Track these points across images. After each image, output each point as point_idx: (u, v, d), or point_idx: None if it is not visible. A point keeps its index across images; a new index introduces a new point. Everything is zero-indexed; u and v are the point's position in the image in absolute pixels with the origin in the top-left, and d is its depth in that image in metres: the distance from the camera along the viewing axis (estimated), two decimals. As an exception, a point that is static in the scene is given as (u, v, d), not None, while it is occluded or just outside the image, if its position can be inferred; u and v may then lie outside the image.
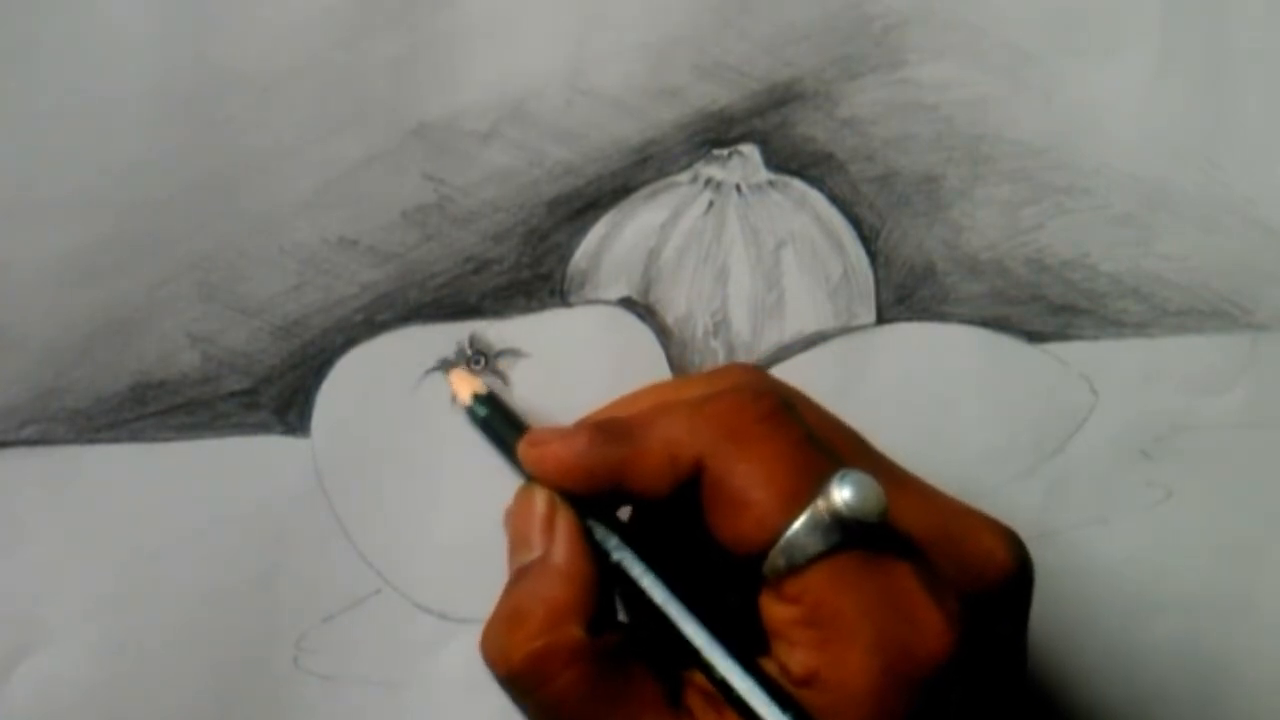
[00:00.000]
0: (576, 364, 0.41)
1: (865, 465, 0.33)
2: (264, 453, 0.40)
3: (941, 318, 0.43)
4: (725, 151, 0.42)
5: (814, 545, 0.31)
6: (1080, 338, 0.44)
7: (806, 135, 0.42)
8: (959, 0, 0.42)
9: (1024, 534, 0.44)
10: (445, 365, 0.41)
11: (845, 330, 0.43)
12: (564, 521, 0.35)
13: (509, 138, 0.40)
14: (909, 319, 0.43)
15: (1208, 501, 0.45)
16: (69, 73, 0.38)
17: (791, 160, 0.42)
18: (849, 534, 0.31)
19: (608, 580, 0.34)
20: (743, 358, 0.42)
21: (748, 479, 0.32)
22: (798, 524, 0.31)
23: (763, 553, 0.32)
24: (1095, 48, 0.43)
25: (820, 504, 0.31)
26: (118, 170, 0.38)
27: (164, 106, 0.38)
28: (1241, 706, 0.46)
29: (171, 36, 0.38)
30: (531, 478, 0.36)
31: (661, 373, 0.42)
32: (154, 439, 0.39)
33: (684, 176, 0.42)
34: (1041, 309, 0.43)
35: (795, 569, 0.31)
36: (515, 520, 0.36)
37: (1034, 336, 0.44)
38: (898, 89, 0.42)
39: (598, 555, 0.34)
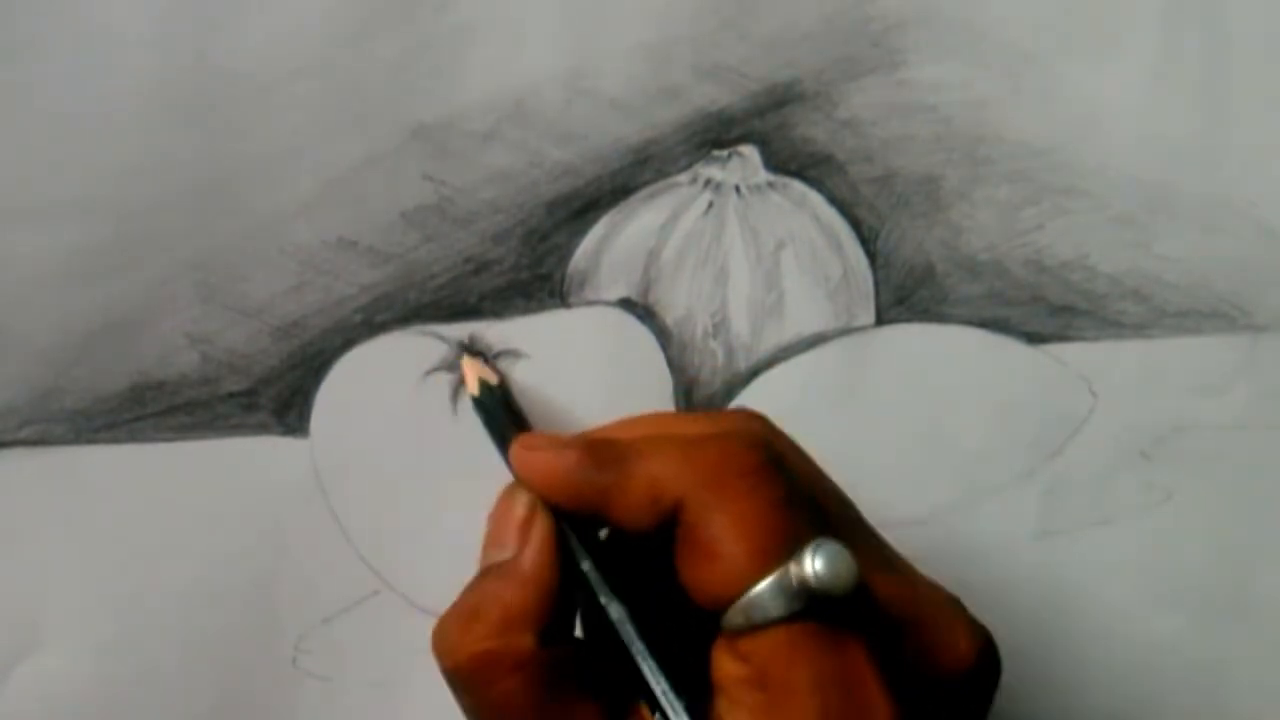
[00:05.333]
0: (576, 365, 0.41)
1: (848, 534, 0.33)
2: (263, 453, 0.40)
3: (941, 319, 0.43)
4: (725, 152, 0.42)
5: (775, 609, 0.31)
6: (1080, 339, 0.44)
7: (806, 136, 0.42)
8: (959, 1, 0.42)
9: (1023, 535, 0.44)
10: (448, 365, 0.41)
11: (845, 331, 0.43)
12: (539, 528, 0.34)
13: (509, 138, 0.40)
14: (908, 320, 0.43)
15: (1208, 502, 0.45)
16: (69, 73, 0.38)
17: (791, 161, 0.42)
18: (813, 604, 0.31)
19: (571, 594, 0.34)
20: (742, 358, 0.42)
21: (722, 531, 0.32)
22: (763, 585, 0.31)
23: (725, 606, 0.32)
24: (1095, 48, 0.43)
25: (791, 569, 0.31)
26: (117, 171, 0.38)
27: (164, 107, 0.38)
28: (1241, 706, 0.46)
29: (171, 37, 0.38)
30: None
31: (661, 374, 0.42)
32: (153, 439, 0.39)
33: (684, 177, 0.42)
34: (1041, 310, 0.43)
35: (753, 629, 0.31)
36: (494, 518, 0.35)
37: (1033, 337, 0.43)
38: (897, 90, 0.42)
39: (567, 567, 0.34)
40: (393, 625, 0.41)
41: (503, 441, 0.38)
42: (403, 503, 0.41)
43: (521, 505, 0.35)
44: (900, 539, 0.40)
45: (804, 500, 0.33)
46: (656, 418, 0.37)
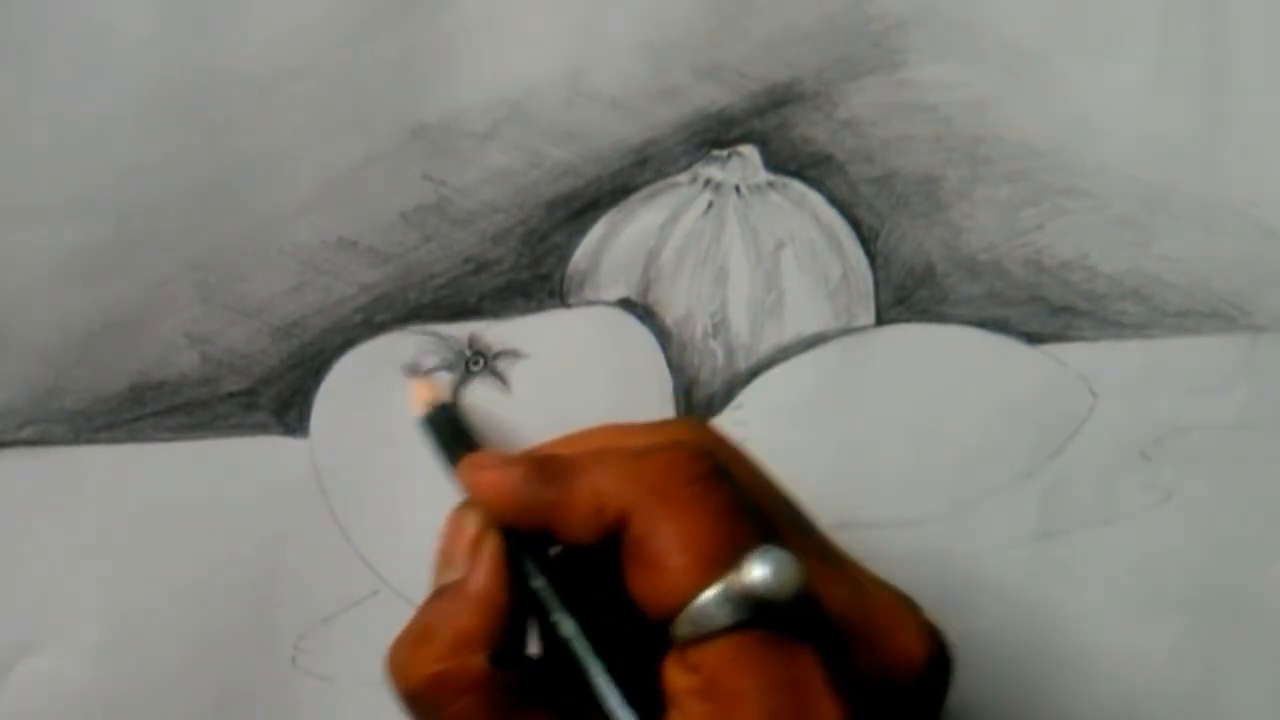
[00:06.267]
0: (576, 365, 0.41)
1: (796, 541, 0.33)
2: (263, 453, 0.40)
3: (940, 319, 0.43)
4: (725, 152, 0.42)
5: (721, 618, 0.31)
6: (1079, 339, 0.44)
7: (806, 136, 0.42)
8: (959, 1, 0.42)
9: (1023, 535, 0.44)
10: (447, 365, 0.41)
11: (845, 331, 0.43)
12: (489, 547, 0.34)
13: (508, 138, 0.40)
14: (908, 320, 0.43)
15: (1208, 503, 0.45)
16: (69, 74, 0.38)
17: (791, 161, 0.42)
18: (759, 612, 0.31)
19: (523, 612, 0.34)
20: (742, 358, 0.42)
21: (667, 541, 0.31)
22: (708, 594, 0.31)
23: (673, 617, 0.31)
24: (1095, 48, 0.43)
25: (734, 578, 0.31)
26: (117, 171, 0.38)
27: (164, 107, 0.38)
28: (1241, 707, 0.46)
29: (171, 38, 0.38)
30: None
31: (661, 374, 0.42)
32: (153, 439, 0.40)
33: (683, 177, 0.42)
34: (1040, 310, 0.43)
35: (701, 639, 0.31)
36: (445, 538, 0.35)
37: (1033, 337, 0.43)
38: (897, 90, 0.42)
39: (519, 586, 0.34)
40: (392, 625, 0.40)
41: (452, 462, 0.38)
42: (403, 503, 0.41)
43: (471, 524, 0.35)
44: (900, 539, 0.40)
45: (750, 508, 0.33)
46: (603, 431, 0.37)
